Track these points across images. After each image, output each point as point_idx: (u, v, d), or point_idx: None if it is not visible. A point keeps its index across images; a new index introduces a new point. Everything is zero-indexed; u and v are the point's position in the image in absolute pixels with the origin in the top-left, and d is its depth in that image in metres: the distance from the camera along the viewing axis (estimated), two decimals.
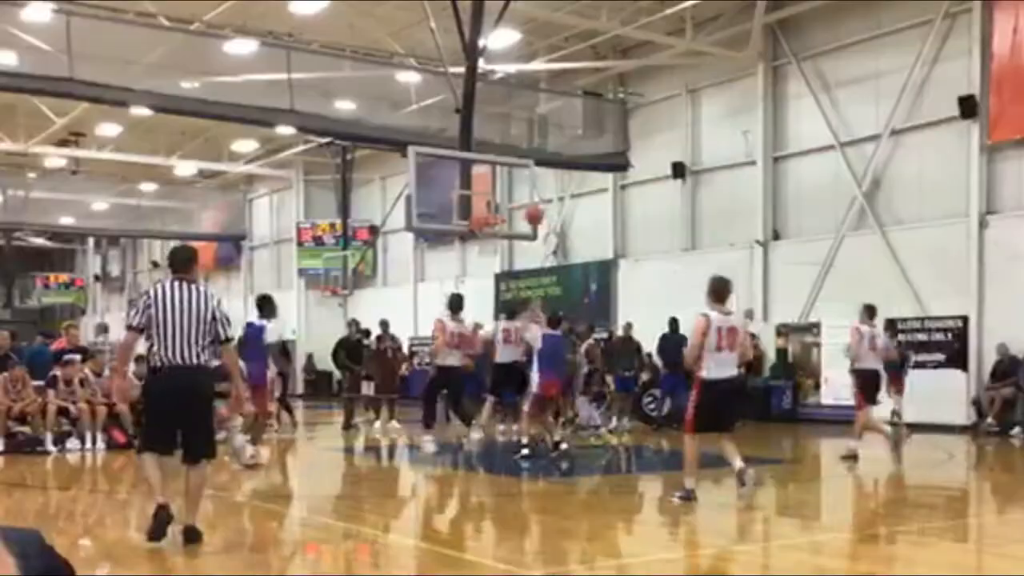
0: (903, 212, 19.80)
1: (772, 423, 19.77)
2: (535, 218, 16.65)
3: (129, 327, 7.91)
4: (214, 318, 7.72)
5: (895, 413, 17.16)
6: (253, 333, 14.15)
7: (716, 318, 9.70)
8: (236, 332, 9.14)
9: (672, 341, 19.54)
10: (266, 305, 14.57)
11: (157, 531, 7.54)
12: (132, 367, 10.79)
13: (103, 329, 21.17)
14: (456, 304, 14.52)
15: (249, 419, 13.63)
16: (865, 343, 14.02)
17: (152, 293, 7.77)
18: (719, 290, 9.96)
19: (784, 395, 20.80)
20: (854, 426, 14.12)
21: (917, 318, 18.93)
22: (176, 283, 7.70)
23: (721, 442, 9.97)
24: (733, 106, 22.91)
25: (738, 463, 9.72)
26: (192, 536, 7.65)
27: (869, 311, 14.40)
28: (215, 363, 8.37)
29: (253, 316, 14.62)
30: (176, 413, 7.63)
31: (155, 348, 7.59)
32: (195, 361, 7.59)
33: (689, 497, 9.67)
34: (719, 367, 9.71)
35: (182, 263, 8.00)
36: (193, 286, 7.78)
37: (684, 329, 19.89)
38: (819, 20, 21.07)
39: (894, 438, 16.61)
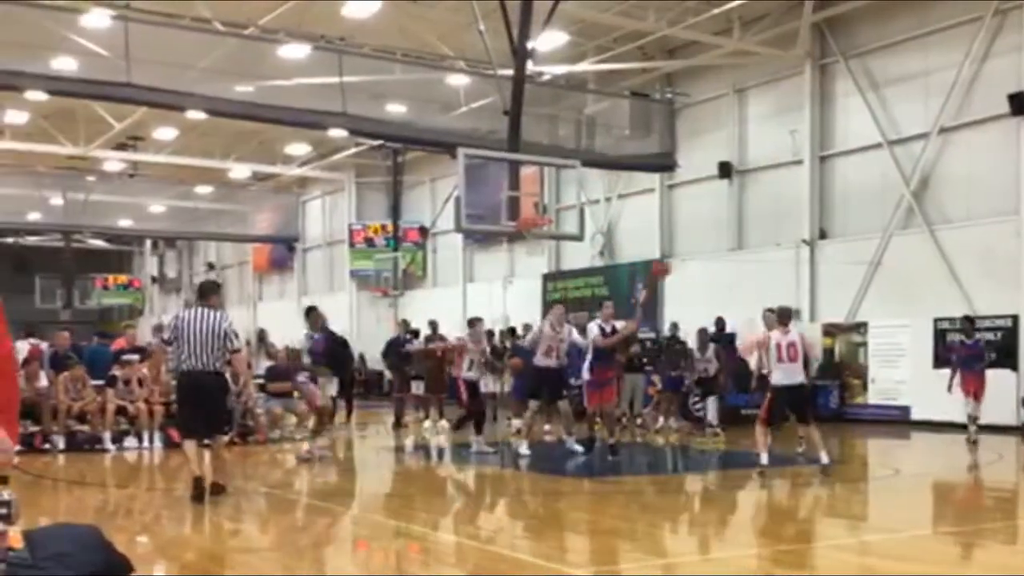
0: (951, 211, 19.68)
1: (819, 423, 19.69)
2: (661, 271, 17.33)
3: (162, 340, 11.34)
4: (224, 335, 10.07)
5: (972, 419, 16.29)
6: None
7: (776, 335, 12.20)
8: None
9: (719, 341, 19.64)
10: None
11: (196, 495, 9.94)
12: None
13: (160, 330, 21.60)
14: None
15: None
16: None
17: (181, 316, 10.34)
18: (782, 315, 12.50)
19: (831, 395, 20.75)
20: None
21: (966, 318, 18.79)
22: (198, 309, 10.20)
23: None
24: (780, 105, 22.89)
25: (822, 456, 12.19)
26: (216, 489, 10.10)
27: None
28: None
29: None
30: (199, 403, 10.20)
31: (183, 357, 10.09)
32: (211, 367, 10.07)
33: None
34: (784, 375, 12.17)
35: (203, 294, 10.51)
36: (210, 311, 10.15)
37: (730, 328, 20.09)
38: (867, 18, 20.99)
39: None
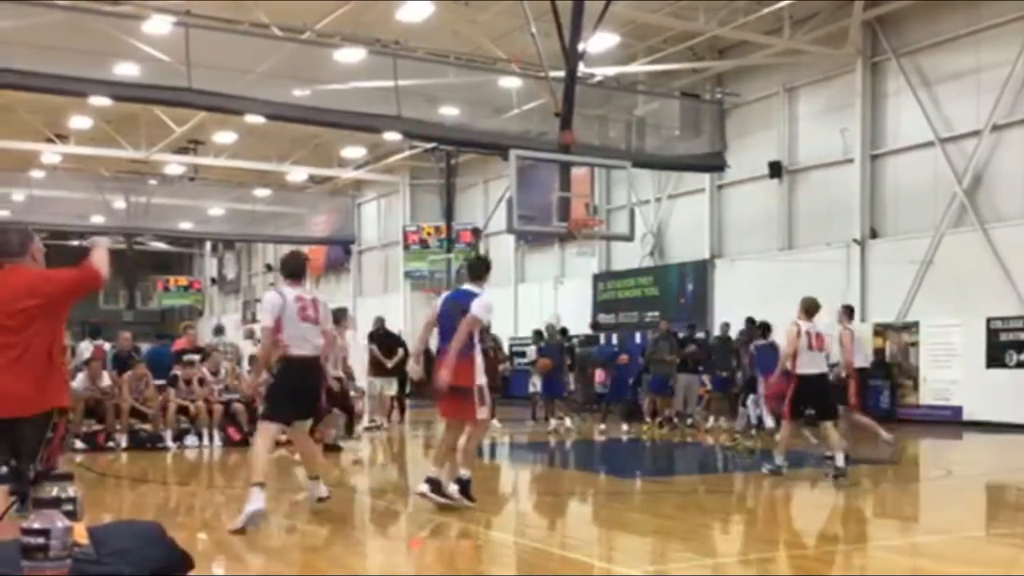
0: (1005, 209, 19.54)
1: None
2: None
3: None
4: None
5: None
6: None
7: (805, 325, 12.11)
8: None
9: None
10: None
11: None
12: None
13: (219, 330, 22.08)
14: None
15: None
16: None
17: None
18: (809, 307, 12.40)
19: (882, 395, 20.69)
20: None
21: (1019, 317, 18.67)
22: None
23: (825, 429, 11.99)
24: (830, 104, 22.83)
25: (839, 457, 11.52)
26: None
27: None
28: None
29: None
30: None
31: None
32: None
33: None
34: (811, 363, 11.92)
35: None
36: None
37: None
38: (918, 16, 20.90)
39: None
